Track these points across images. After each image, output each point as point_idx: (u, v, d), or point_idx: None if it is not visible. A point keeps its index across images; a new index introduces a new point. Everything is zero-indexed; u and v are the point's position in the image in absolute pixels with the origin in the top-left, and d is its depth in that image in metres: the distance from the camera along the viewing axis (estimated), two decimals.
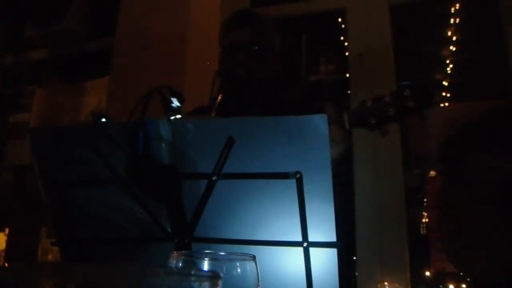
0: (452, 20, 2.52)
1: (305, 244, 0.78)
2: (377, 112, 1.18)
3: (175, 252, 0.55)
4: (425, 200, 2.40)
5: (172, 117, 0.81)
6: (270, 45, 1.57)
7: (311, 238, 0.78)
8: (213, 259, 0.53)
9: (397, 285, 2.08)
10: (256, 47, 1.52)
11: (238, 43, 1.53)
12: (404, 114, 1.16)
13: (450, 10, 2.52)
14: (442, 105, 2.44)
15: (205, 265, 0.52)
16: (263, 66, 1.54)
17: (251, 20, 1.58)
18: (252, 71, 1.51)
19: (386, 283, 2.09)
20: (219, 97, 1.42)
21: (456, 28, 2.51)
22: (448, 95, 2.49)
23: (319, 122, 0.76)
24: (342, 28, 2.65)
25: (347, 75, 2.56)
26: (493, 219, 1.38)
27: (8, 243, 2.95)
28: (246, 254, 0.54)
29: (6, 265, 2.78)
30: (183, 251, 0.61)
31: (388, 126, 1.20)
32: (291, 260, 0.80)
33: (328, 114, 1.24)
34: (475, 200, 1.43)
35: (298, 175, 0.76)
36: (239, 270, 0.53)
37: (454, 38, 2.51)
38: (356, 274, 2.19)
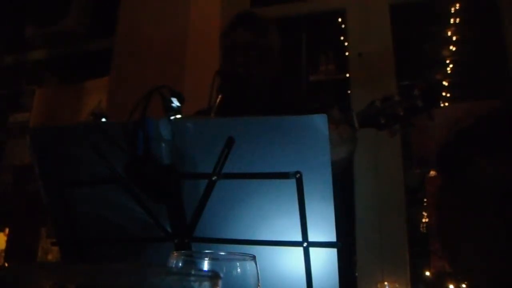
0: (452, 20, 2.52)
1: (305, 244, 0.78)
2: (386, 111, 1.18)
3: (175, 252, 0.55)
4: (425, 200, 2.40)
5: (172, 117, 0.81)
6: (270, 45, 1.57)
7: (311, 238, 0.78)
8: (213, 259, 0.53)
9: (397, 285, 2.08)
10: (257, 48, 1.52)
11: (239, 44, 1.53)
12: (413, 114, 1.17)
13: (450, 10, 2.52)
14: (442, 105, 2.44)
15: (205, 265, 0.52)
16: (263, 66, 1.54)
17: (252, 21, 1.58)
18: (252, 71, 1.51)
19: (386, 283, 2.09)
20: (219, 97, 1.42)
21: (456, 28, 2.51)
22: (448, 95, 2.49)
23: (319, 122, 0.76)
24: (342, 28, 2.65)
25: (347, 75, 2.56)
26: (492, 222, 1.38)
27: (8, 243, 2.95)
28: (246, 254, 0.54)
29: (6, 265, 2.78)
30: (183, 251, 0.61)
31: (396, 126, 1.20)
32: (291, 260, 0.80)
33: (335, 117, 1.25)
34: (474, 203, 1.43)
35: (298, 175, 0.76)
36: (239, 270, 0.53)
37: (454, 38, 2.51)
38: (356, 274, 2.19)
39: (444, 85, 2.51)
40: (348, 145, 1.25)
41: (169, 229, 0.82)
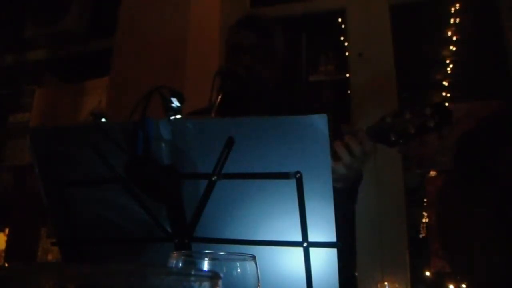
0: (452, 20, 2.52)
1: (305, 244, 0.78)
2: (397, 128, 1.17)
3: (175, 252, 0.55)
4: (425, 200, 2.40)
5: (172, 117, 0.81)
6: (275, 48, 1.58)
7: (311, 238, 0.78)
8: (213, 259, 0.53)
9: (397, 285, 2.08)
10: (261, 50, 1.53)
11: (243, 45, 1.53)
12: (424, 132, 1.16)
13: (450, 10, 2.52)
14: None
15: (205, 265, 0.52)
16: (267, 68, 1.55)
17: (256, 23, 1.58)
18: (252, 71, 1.51)
19: (386, 283, 2.09)
20: (219, 97, 1.42)
21: (456, 28, 2.51)
22: (448, 95, 2.49)
23: (319, 122, 0.76)
24: (342, 28, 2.65)
25: (347, 75, 2.56)
26: (492, 222, 1.38)
27: (8, 243, 2.95)
28: (246, 254, 0.54)
29: (6, 265, 2.78)
30: (183, 251, 0.61)
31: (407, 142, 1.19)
32: (291, 260, 0.80)
33: (345, 131, 1.25)
34: (475, 203, 1.43)
35: (298, 175, 0.76)
36: (239, 270, 0.53)
37: (454, 38, 2.51)
38: (356, 274, 2.19)
39: (444, 85, 2.51)
40: (368, 159, 1.25)
41: (169, 229, 0.82)
